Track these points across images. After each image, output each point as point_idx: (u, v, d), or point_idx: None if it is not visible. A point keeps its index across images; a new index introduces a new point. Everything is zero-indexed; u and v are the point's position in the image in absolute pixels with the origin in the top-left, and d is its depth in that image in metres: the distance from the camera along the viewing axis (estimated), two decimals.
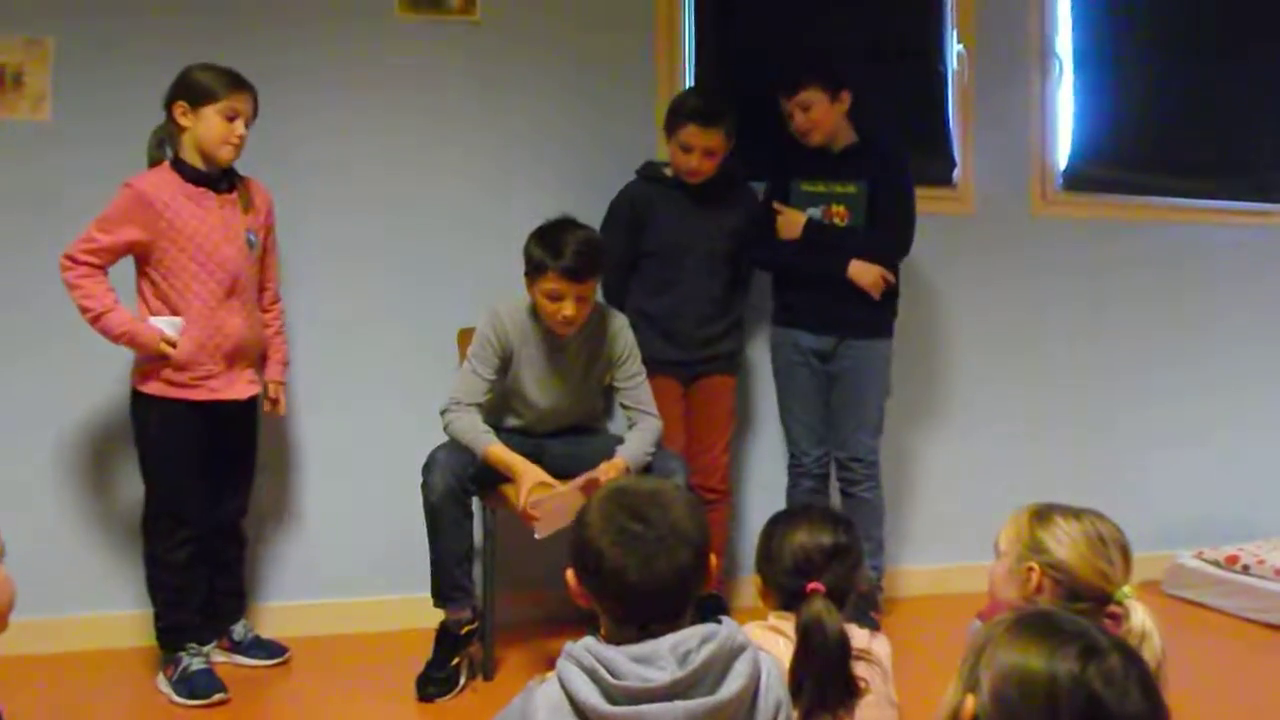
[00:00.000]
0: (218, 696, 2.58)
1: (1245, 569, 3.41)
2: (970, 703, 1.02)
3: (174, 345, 2.57)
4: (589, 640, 1.25)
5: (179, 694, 2.59)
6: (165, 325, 2.58)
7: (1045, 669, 0.99)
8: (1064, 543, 1.66)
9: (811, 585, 1.64)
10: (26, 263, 2.97)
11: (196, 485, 2.68)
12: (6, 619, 1.35)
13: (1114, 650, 1.00)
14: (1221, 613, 3.40)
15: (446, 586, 2.69)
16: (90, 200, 2.97)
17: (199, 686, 2.59)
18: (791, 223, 3.14)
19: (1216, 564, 3.51)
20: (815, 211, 3.16)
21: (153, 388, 2.60)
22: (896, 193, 3.14)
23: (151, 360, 2.59)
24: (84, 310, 2.54)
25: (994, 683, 1.01)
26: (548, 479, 2.66)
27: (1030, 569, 1.65)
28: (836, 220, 3.14)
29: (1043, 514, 1.72)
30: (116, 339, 2.56)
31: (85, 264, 2.54)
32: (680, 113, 3.06)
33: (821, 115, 3.10)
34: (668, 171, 3.18)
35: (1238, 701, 2.66)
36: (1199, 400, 3.95)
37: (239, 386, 2.71)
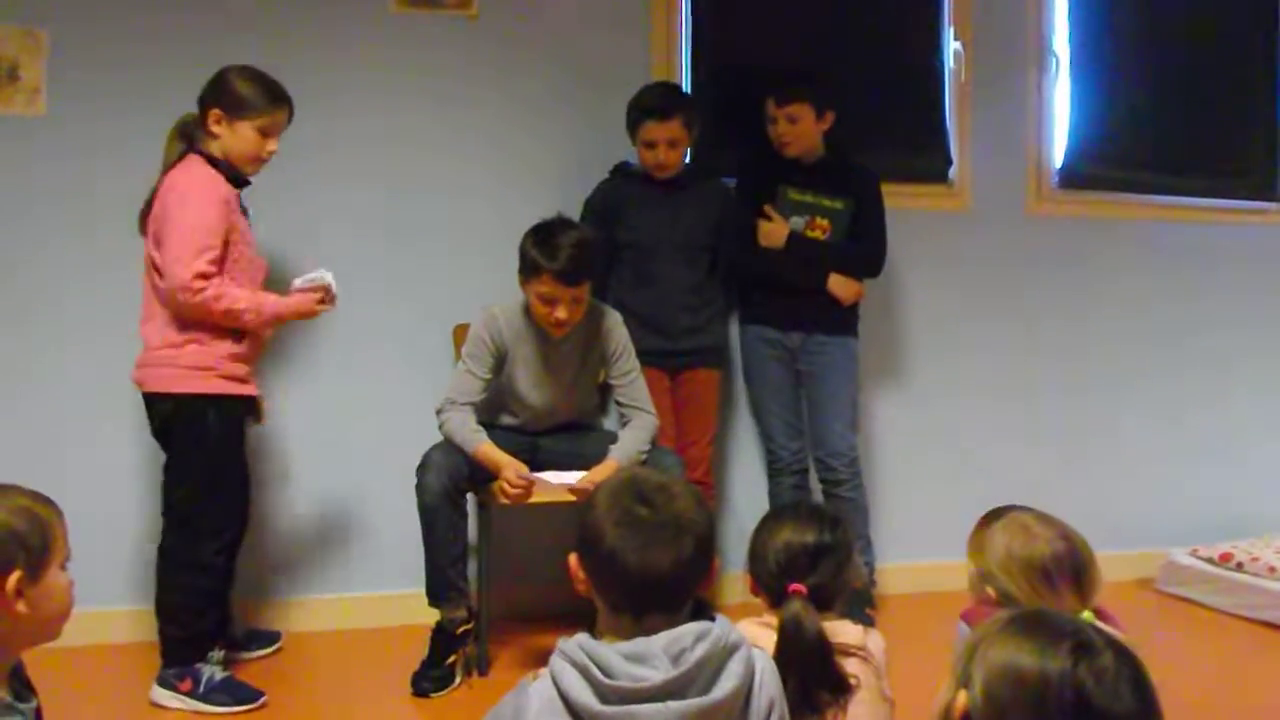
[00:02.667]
0: (263, 700, 2.52)
1: (1239, 566, 3.42)
2: (962, 698, 1.02)
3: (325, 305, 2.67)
4: (582, 637, 1.25)
5: (216, 704, 2.49)
6: (302, 282, 2.66)
7: (1037, 666, 0.99)
8: (998, 553, 1.71)
9: (793, 586, 1.63)
10: (23, 257, 2.97)
11: (241, 481, 2.69)
12: (61, 628, 1.34)
13: (1107, 649, 1.00)
14: (1215, 610, 3.41)
15: (442, 586, 2.69)
16: (86, 193, 2.98)
17: (242, 693, 2.51)
18: (775, 233, 3.18)
19: (1210, 561, 3.52)
20: (798, 222, 3.20)
21: (211, 386, 2.53)
22: (876, 213, 3.23)
23: (205, 362, 2.53)
24: (238, 314, 2.51)
25: (986, 679, 1.01)
26: (528, 474, 2.69)
27: (974, 572, 1.71)
28: (818, 233, 3.20)
29: (989, 519, 1.77)
30: (278, 323, 2.67)
31: (216, 274, 2.48)
32: (637, 110, 3.11)
33: (805, 130, 3.16)
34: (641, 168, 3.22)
35: (1231, 699, 2.67)
36: (1193, 397, 3.96)
37: (255, 385, 2.72)
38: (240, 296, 2.51)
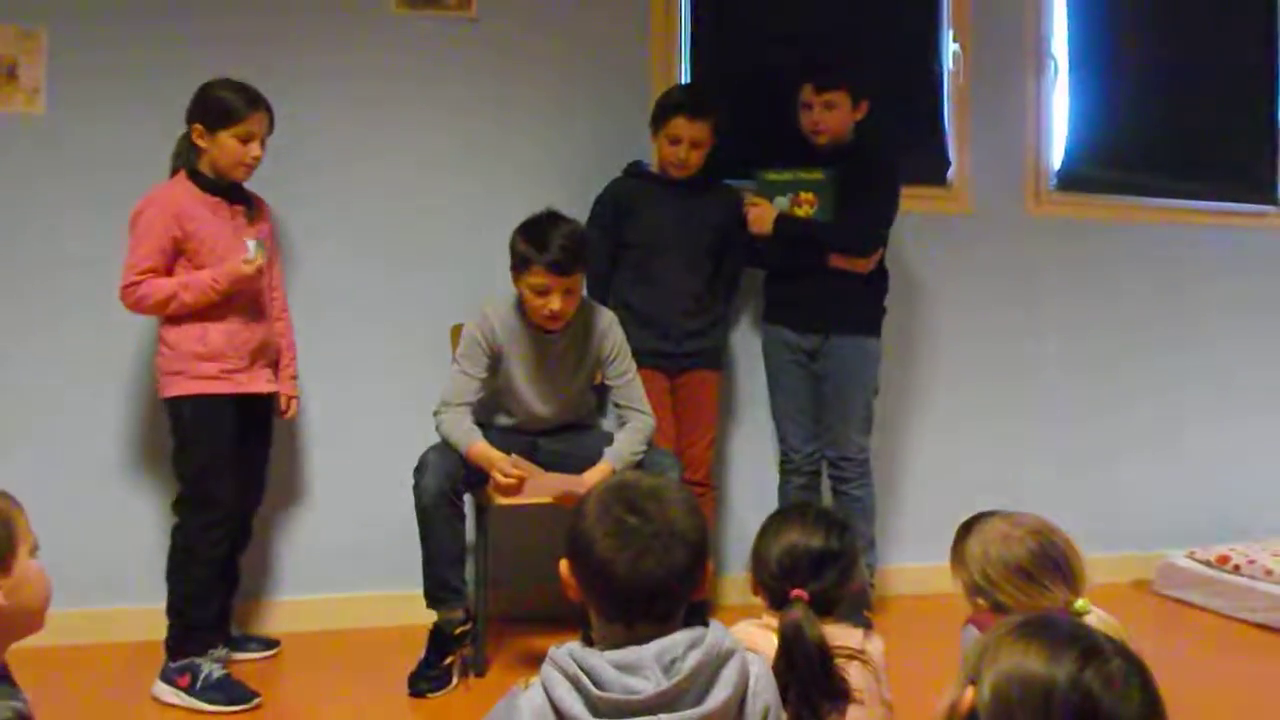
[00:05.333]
0: (256, 701, 2.53)
1: (1236, 569, 3.43)
2: (969, 694, 1.02)
3: (252, 261, 2.62)
4: (572, 646, 1.23)
5: (210, 702, 2.52)
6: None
7: (1045, 670, 0.99)
8: (979, 565, 1.70)
9: (795, 591, 1.61)
10: (23, 256, 2.97)
11: (229, 475, 2.70)
12: (43, 617, 1.34)
13: (1116, 655, 1.00)
14: (1212, 612, 3.42)
15: (439, 588, 2.69)
16: (85, 193, 2.98)
17: (237, 693, 2.54)
18: (762, 218, 3.16)
19: (1208, 564, 3.52)
20: (783, 201, 3.17)
21: (183, 387, 2.63)
22: (866, 184, 3.14)
23: (179, 364, 2.62)
24: (165, 305, 2.59)
25: (994, 680, 1.01)
26: (523, 464, 2.70)
27: (961, 587, 1.71)
28: (806, 207, 3.16)
29: (963, 532, 1.76)
30: (215, 292, 2.59)
31: (141, 280, 2.58)
32: (668, 105, 3.10)
33: (840, 118, 3.15)
34: (653, 169, 3.21)
35: (1228, 701, 2.67)
36: (1191, 400, 3.96)
37: (260, 382, 2.76)
38: (164, 284, 2.59)
